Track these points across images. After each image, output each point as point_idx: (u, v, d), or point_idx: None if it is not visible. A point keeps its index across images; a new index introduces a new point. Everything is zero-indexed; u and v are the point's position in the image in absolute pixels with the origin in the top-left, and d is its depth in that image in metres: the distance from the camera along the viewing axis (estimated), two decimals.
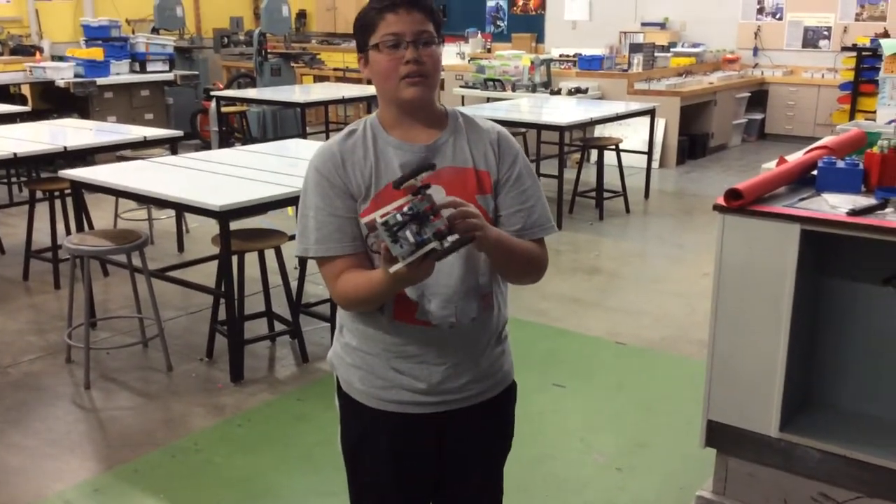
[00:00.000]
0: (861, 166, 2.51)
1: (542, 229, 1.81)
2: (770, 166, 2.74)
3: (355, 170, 1.72)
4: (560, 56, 10.35)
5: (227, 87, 10.62)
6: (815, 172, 2.58)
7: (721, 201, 2.41)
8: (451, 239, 1.52)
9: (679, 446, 3.35)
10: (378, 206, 1.67)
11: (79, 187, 4.50)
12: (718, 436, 2.59)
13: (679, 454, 3.31)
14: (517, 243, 1.75)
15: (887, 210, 2.30)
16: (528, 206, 1.79)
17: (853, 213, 2.27)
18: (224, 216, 3.70)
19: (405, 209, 1.51)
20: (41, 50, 10.66)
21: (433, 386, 1.78)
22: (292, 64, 10.74)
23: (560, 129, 6.59)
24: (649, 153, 7.70)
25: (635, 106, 7.71)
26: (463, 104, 8.91)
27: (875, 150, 2.51)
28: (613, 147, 7.01)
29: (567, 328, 4.63)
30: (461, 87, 9.32)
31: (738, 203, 2.38)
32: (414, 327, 1.74)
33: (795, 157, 2.75)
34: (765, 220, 2.36)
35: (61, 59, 9.31)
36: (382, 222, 1.49)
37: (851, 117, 8.59)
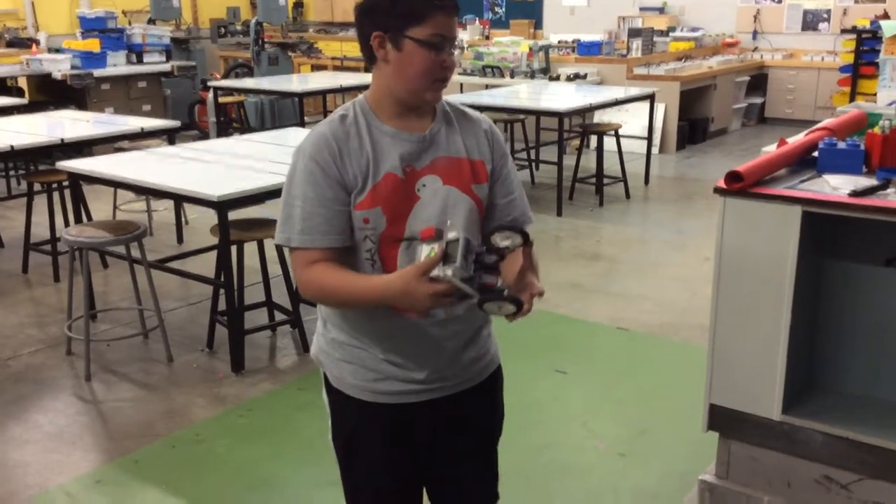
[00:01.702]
0: (862, 147, 2.49)
1: (527, 218, 1.86)
2: (770, 150, 2.72)
3: (352, 160, 1.67)
4: (558, 42, 10.31)
5: (225, 77, 10.59)
6: (815, 154, 2.56)
7: (721, 184, 2.39)
8: (498, 305, 1.51)
9: (681, 431, 3.35)
10: (375, 197, 1.66)
11: (77, 179, 4.49)
12: (721, 420, 2.58)
13: (681, 439, 3.31)
14: (534, 262, 1.71)
15: (889, 190, 2.28)
16: (518, 195, 1.85)
17: (855, 194, 2.25)
18: (222, 206, 3.68)
19: (480, 255, 1.51)
20: (38, 42, 10.60)
21: (429, 374, 1.77)
22: (290, 53, 10.70)
23: (559, 115, 6.56)
24: (649, 138, 7.68)
25: (634, 91, 7.67)
26: (462, 91, 8.87)
27: (876, 130, 2.48)
28: (613, 133, 6.98)
29: (568, 314, 4.61)
30: (459, 74, 9.28)
31: (738, 185, 2.35)
32: (410, 318, 1.71)
33: (796, 139, 2.73)
34: (766, 202, 2.34)
35: (58, 51, 9.27)
36: (465, 237, 1.48)
37: (851, 100, 8.56)
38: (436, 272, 1.48)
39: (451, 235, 1.49)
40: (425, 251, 1.51)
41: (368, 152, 1.68)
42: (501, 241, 1.53)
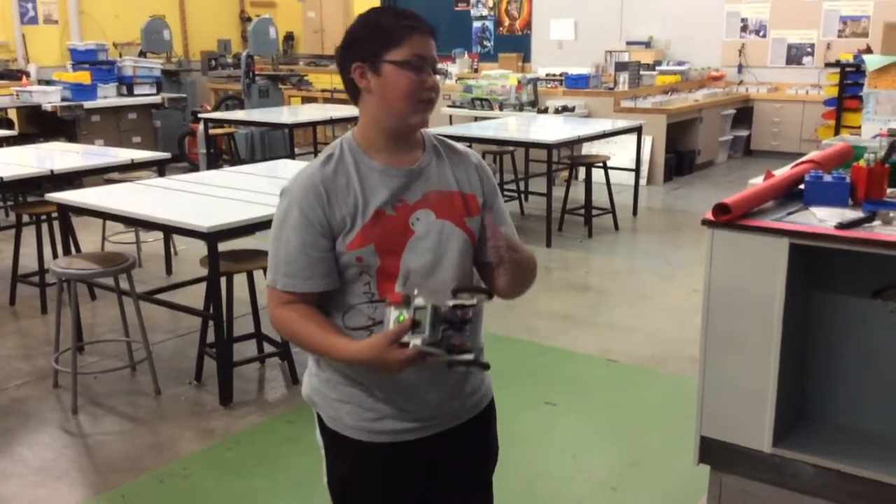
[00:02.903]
0: (848, 180, 2.52)
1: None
2: (757, 182, 2.74)
3: (339, 201, 1.67)
4: (546, 75, 10.42)
5: (215, 109, 10.62)
6: (802, 186, 2.59)
7: (709, 216, 2.41)
8: (462, 357, 1.57)
9: (672, 463, 3.34)
10: (366, 236, 1.66)
11: (66, 210, 4.48)
12: (712, 452, 2.58)
13: (673, 471, 3.29)
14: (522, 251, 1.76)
15: (875, 223, 2.30)
16: (508, 224, 1.87)
17: (841, 226, 2.27)
18: (212, 237, 3.68)
19: (447, 315, 1.55)
20: (28, 74, 10.64)
21: (428, 412, 1.77)
22: (280, 85, 10.76)
23: (548, 147, 6.60)
24: (637, 170, 7.73)
25: (622, 123, 7.74)
26: (451, 123, 8.93)
27: (861, 163, 2.51)
28: (601, 164, 7.03)
29: (558, 346, 4.61)
30: (449, 106, 9.35)
31: (726, 217, 2.38)
32: None
33: (782, 172, 2.76)
34: (753, 235, 2.36)
35: (48, 83, 9.29)
36: (433, 305, 1.52)
37: (836, 132, 8.66)
38: (406, 338, 1.53)
39: (418, 302, 1.53)
40: (393, 316, 1.55)
41: (356, 190, 1.68)
42: (467, 299, 1.57)
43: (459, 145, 1.87)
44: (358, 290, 1.70)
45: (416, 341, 1.51)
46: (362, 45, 1.67)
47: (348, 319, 1.71)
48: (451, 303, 1.56)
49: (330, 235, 1.68)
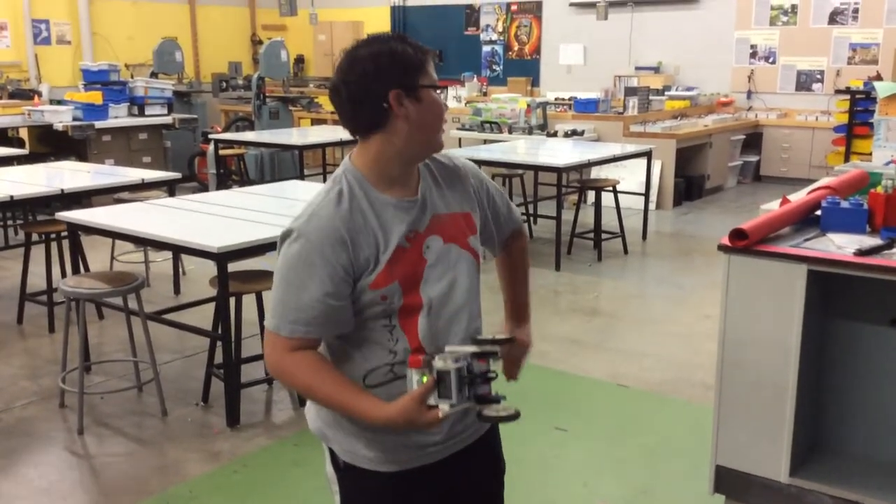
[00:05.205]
0: (865, 206, 2.50)
1: (517, 222, 1.99)
2: (768, 207, 2.73)
3: (360, 243, 1.62)
4: (556, 99, 10.44)
5: (226, 130, 10.67)
6: (818, 212, 2.57)
7: (726, 241, 2.39)
8: (497, 409, 1.58)
9: (685, 492, 3.29)
10: (390, 273, 1.63)
11: (75, 229, 4.47)
12: (727, 481, 2.54)
13: (685, 500, 3.24)
14: (524, 279, 1.86)
15: (894, 250, 2.28)
16: (505, 209, 1.93)
17: (860, 253, 2.25)
18: (222, 258, 3.67)
19: (470, 367, 1.55)
20: (40, 94, 10.72)
21: (445, 435, 1.75)
22: (290, 107, 10.82)
23: (557, 170, 6.60)
24: (646, 194, 7.72)
25: (631, 148, 7.73)
26: (460, 146, 8.95)
27: (879, 189, 2.49)
28: (611, 188, 7.02)
29: (567, 370, 4.57)
30: (458, 129, 9.37)
31: (743, 243, 2.35)
32: None
33: (798, 197, 2.74)
34: (771, 261, 2.33)
35: (60, 102, 9.35)
36: (456, 369, 1.51)
37: (846, 159, 8.64)
38: (432, 401, 1.53)
39: (439, 365, 1.51)
40: (416, 377, 1.54)
41: (374, 228, 1.64)
42: (490, 346, 1.59)
43: (446, 157, 1.82)
44: (377, 325, 1.67)
45: (444, 407, 1.51)
46: (395, 73, 1.61)
47: (370, 378, 1.66)
48: (472, 349, 1.56)
49: (352, 280, 1.62)
